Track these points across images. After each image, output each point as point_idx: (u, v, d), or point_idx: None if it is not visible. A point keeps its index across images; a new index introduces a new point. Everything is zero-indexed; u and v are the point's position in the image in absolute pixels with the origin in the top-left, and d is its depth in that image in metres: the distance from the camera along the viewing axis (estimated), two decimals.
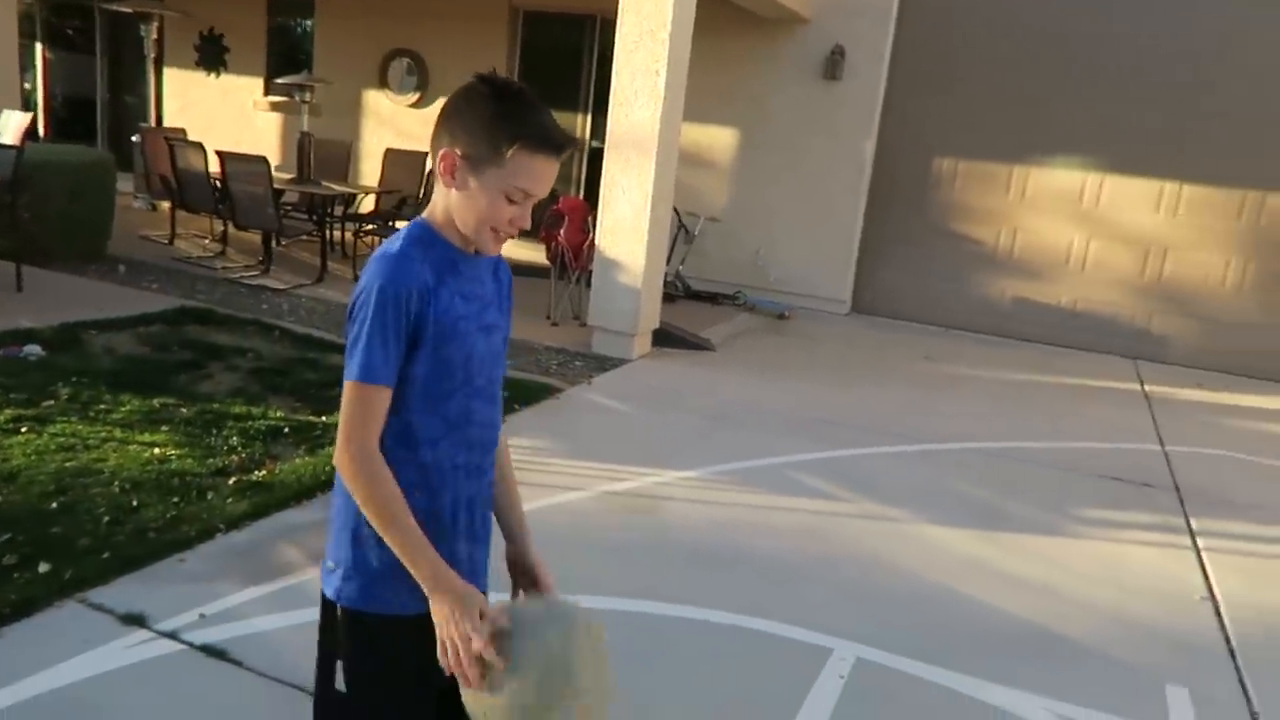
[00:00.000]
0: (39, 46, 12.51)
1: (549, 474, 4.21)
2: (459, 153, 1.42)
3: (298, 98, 8.57)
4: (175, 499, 3.45)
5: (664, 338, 6.68)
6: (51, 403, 4.28)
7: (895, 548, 3.80)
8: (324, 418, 4.42)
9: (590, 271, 6.49)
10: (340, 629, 1.50)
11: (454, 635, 1.38)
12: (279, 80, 9.35)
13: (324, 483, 3.66)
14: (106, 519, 3.23)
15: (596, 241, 6.28)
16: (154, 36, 10.58)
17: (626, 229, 6.08)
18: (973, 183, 8.31)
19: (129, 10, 10.28)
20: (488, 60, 9.56)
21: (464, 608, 1.38)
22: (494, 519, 1.65)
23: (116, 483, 3.52)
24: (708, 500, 4.11)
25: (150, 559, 3.02)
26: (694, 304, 8.19)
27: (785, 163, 8.57)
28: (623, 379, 5.87)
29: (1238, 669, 3.10)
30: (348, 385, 1.41)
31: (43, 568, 2.87)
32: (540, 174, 1.43)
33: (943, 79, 8.23)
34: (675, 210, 7.99)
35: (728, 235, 8.70)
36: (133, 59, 11.74)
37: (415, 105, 10.08)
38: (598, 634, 1.49)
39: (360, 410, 1.40)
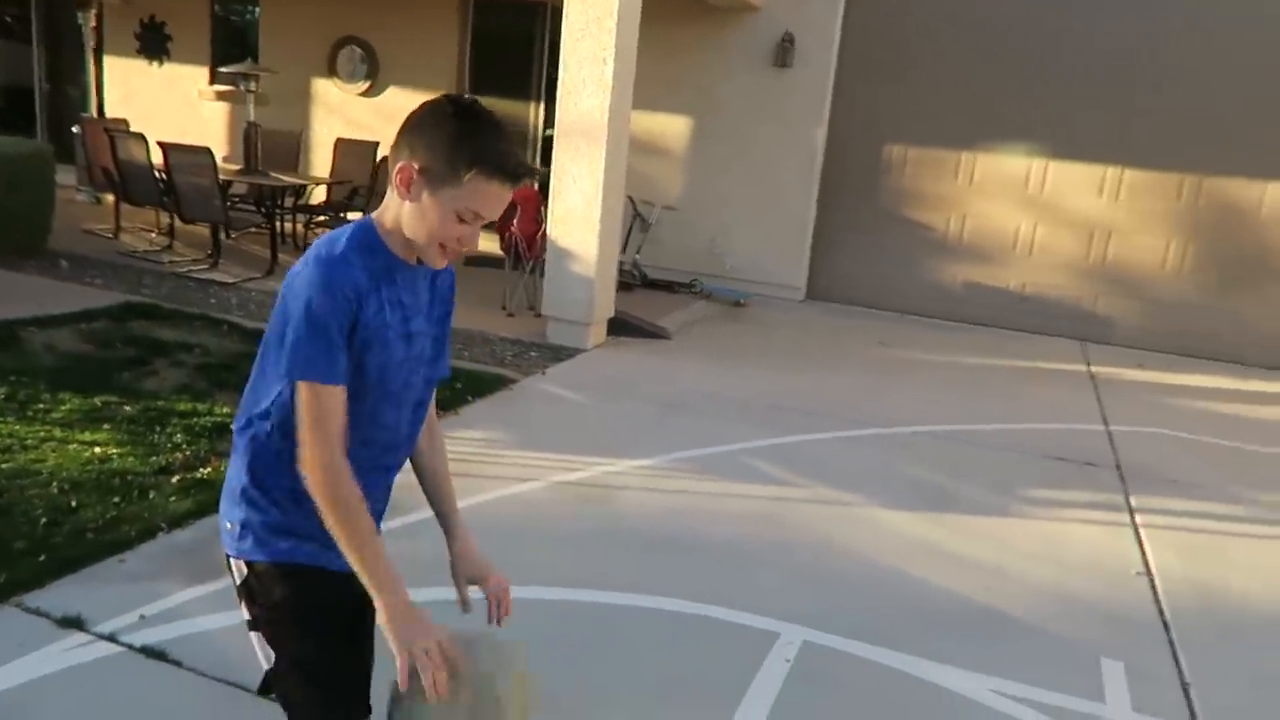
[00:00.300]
0: None
1: (501, 465, 4.20)
2: (416, 167, 1.44)
3: (243, 87, 8.41)
4: (116, 498, 3.39)
5: (620, 326, 6.68)
6: None
7: (847, 531, 3.84)
8: None
9: (544, 262, 6.47)
10: (245, 586, 1.56)
11: (422, 646, 1.41)
12: (223, 69, 9.19)
13: None
14: (44, 520, 3.16)
15: (549, 231, 6.25)
16: (92, 24, 10.35)
17: (578, 218, 6.07)
18: (923, 169, 8.40)
19: None
20: (439, 48, 9.48)
21: (426, 628, 1.43)
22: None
23: (55, 483, 3.45)
24: (661, 488, 4.13)
25: (89, 560, 2.97)
26: (651, 292, 8.19)
27: (737, 151, 8.60)
28: (577, 369, 5.86)
29: (1171, 642, 3.19)
30: (302, 387, 1.42)
31: None
32: (494, 199, 1.45)
33: (893, 66, 8.29)
34: (630, 199, 7.99)
35: (683, 223, 8.71)
36: (72, 47, 11.45)
37: (365, 94, 9.94)
38: (525, 676, 1.59)
39: (323, 414, 1.42)
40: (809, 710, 2.62)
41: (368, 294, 1.45)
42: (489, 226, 6.64)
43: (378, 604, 1.44)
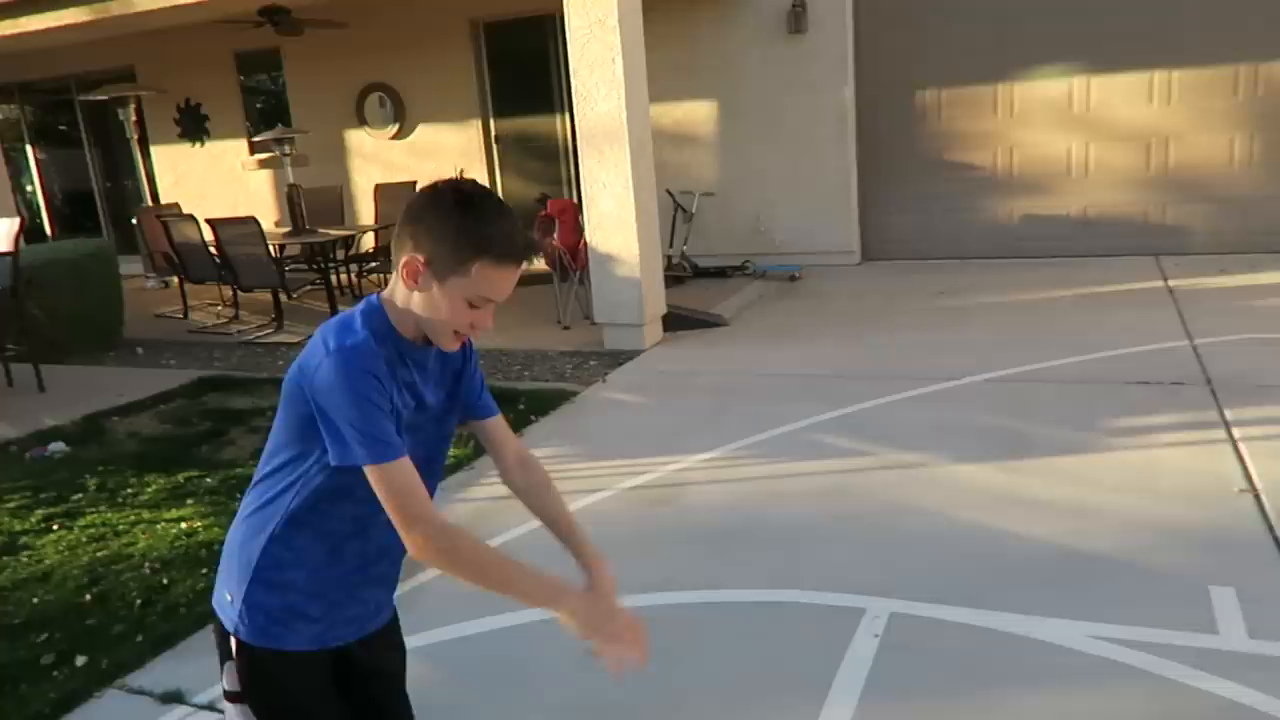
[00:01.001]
0: (29, 148, 12.77)
1: (570, 480, 4.21)
2: (422, 259, 1.43)
3: (279, 151, 8.66)
4: (203, 570, 3.50)
5: (675, 321, 6.66)
6: (80, 495, 4.38)
7: (919, 493, 3.75)
8: None
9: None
10: (241, 664, 1.56)
11: (605, 629, 1.49)
12: (258, 139, 9.47)
13: None
14: (139, 601, 3.30)
15: (588, 239, 6.27)
16: (133, 118, 10.77)
17: (613, 222, 6.06)
18: (959, 109, 8.15)
19: (105, 98, 10.46)
20: (458, 78, 9.59)
21: (611, 611, 1.52)
22: None
23: (146, 564, 3.59)
24: (728, 479, 4.10)
25: (182, 635, 3.07)
26: (703, 281, 8.14)
27: (766, 124, 8.48)
28: (637, 370, 5.86)
29: None
30: (373, 473, 1.41)
31: (79, 661, 2.94)
32: (503, 283, 1.45)
33: (911, 10, 8.07)
34: (669, 192, 7.97)
35: (725, 207, 8.63)
36: (119, 143, 11.94)
37: (396, 137, 10.12)
38: None
39: (406, 489, 1.42)
40: (906, 681, 2.56)
41: (383, 376, 1.44)
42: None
43: (560, 615, 1.46)
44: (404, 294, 1.47)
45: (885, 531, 3.47)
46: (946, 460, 4.04)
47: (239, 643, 1.55)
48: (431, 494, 1.56)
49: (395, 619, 1.78)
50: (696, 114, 8.73)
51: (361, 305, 1.52)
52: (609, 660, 1.45)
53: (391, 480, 1.41)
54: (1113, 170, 7.81)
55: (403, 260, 1.45)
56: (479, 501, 4.02)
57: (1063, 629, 2.73)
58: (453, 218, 1.42)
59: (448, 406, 1.63)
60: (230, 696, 1.59)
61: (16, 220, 6.53)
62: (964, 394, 4.89)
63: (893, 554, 3.29)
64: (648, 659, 1.46)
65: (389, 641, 1.75)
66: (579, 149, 6.07)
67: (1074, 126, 7.83)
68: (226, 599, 1.57)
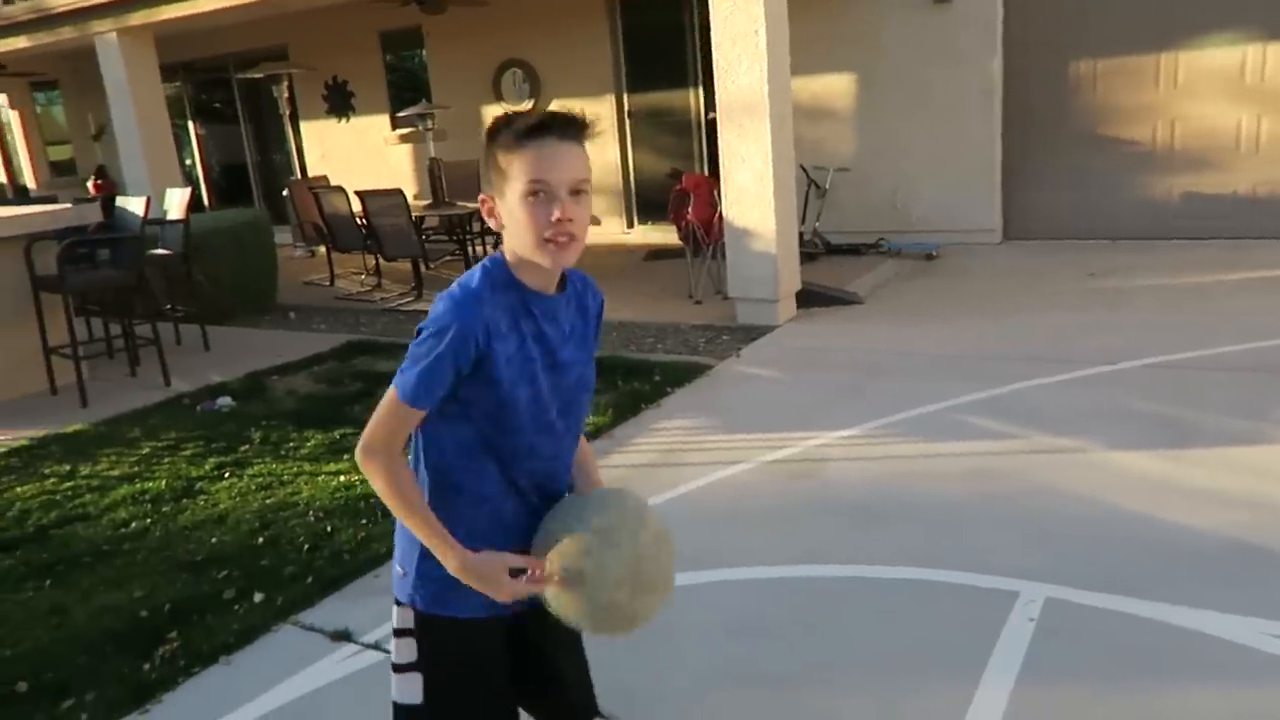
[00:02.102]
0: (191, 124, 13.58)
1: (708, 451, 4.25)
2: (489, 193, 1.48)
3: (421, 126, 8.94)
4: (364, 520, 3.69)
5: (809, 298, 6.58)
6: (247, 447, 4.67)
7: (1075, 479, 3.61)
8: None
9: (724, 244, 6.47)
10: (419, 633, 1.60)
11: (500, 592, 1.50)
12: (401, 114, 9.80)
13: None
14: (306, 546, 3.50)
15: (725, 213, 6.25)
16: (286, 95, 11.30)
17: (751, 196, 6.03)
18: (1117, 81, 7.73)
19: (260, 75, 11.01)
20: (594, 54, 9.68)
21: (485, 572, 1.50)
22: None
23: (311, 512, 3.81)
24: (871, 456, 4.04)
25: (348, 579, 3.25)
26: (836, 259, 8.02)
27: (908, 98, 8.25)
28: (771, 346, 5.83)
29: None
30: (391, 394, 1.47)
31: (258, 597, 3.15)
32: (541, 160, 1.40)
33: None
34: (802, 167, 7.85)
35: (860, 183, 8.46)
36: (271, 119, 12.57)
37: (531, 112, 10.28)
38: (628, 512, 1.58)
39: (394, 424, 1.48)
40: (1064, 668, 2.49)
41: (505, 331, 1.45)
42: (663, 217, 6.74)
43: (453, 563, 1.50)
44: (506, 241, 1.49)
45: (1038, 515, 3.36)
46: (1103, 446, 3.87)
47: (415, 613, 1.59)
48: (573, 436, 1.63)
49: None
50: (834, 87, 8.56)
51: (485, 261, 1.52)
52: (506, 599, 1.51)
53: (391, 412, 1.47)
54: None
55: (481, 204, 1.50)
56: (619, 469, 4.09)
57: (1235, 624, 2.60)
58: (488, 142, 1.46)
59: (584, 358, 1.61)
60: (398, 668, 1.63)
61: (188, 190, 6.96)
62: (1121, 379, 4.67)
63: (1046, 538, 3.18)
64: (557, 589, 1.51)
65: (558, 624, 1.67)
66: (718, 122, 6.05)
67: (1246, 98, 7.32)
68: (399, 573, 1.62)
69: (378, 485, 1.51)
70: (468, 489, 1.54)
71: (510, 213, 1.44)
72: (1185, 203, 7.69)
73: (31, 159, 15.17)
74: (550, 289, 1.52)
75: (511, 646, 1.67)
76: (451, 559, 1.49)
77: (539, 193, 1.40)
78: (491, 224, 1.48)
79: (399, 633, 1.63)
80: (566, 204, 1.40)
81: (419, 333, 1.46)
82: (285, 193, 10.36)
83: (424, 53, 11.02)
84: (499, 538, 1.55)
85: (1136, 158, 7.79)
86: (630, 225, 10.15)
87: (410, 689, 1.62)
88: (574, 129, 1.43)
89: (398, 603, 1.62)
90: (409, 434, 1.51)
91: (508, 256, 1.49)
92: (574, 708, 1.80)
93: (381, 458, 1.48)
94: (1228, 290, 6.17)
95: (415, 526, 1.51)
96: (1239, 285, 6.25)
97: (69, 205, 6.74)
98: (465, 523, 1.54)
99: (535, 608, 1.61)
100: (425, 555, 1.55)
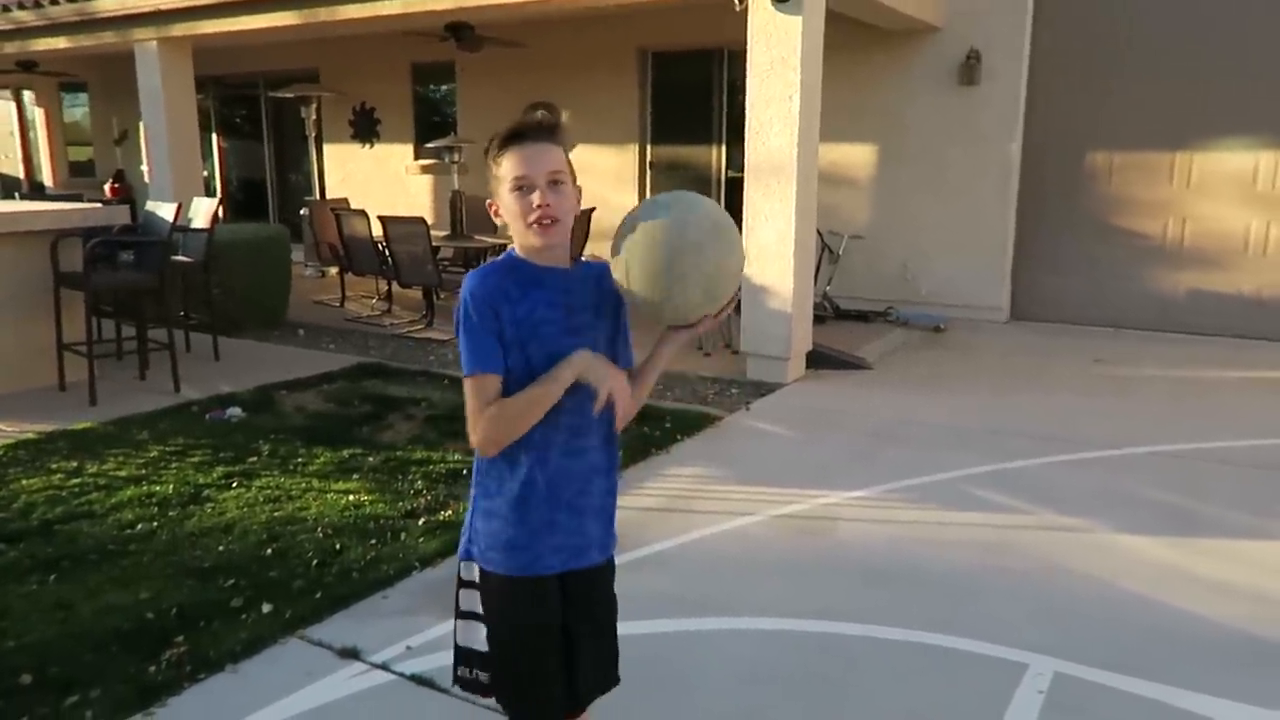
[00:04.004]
0: (214, 136, 13.71)
1: (717, 500, 4.27)
2: (493, 199, 1.75)
3: (447, 159, 9.07)
4: (373, 540, 3.69)
5: (818, 359, 6.65)
6: (255, 459, 4.67)
7: (1082, 558, 3.64)
8: None
9: (738, 300, 6.53)
10: (479, 586, 1.81)
11: (602, 372, 1.70)
12: (429, 145, 9.93)
13: None
14: (315, 561, 3.49)
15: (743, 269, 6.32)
16: (313, 117, 11.44)
17: (771, 254, 6.12)
18: (1132, 175, 7.92)
19: (290, 95, 11.16)
20: (621, 102, 9.86)
21: (591, 364, 1.69)
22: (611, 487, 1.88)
23: (320, 528, 3.81)
24: (879, 519, 4.07)
25: (357, 597, 3.25)
26: (845, 324, 8.10)
27: (927, 173, 8.42)
28: (780, 403, 5.87)
29: None
30: (466, 384, 1.70)
31: (265, 608, 3.14)
32: (521, 161, 1.68)
33: (1090, 69, 7.91)
34: (818, 231, 7.96)
35: (873, 252, 8.59)
36: (294, 139, 12.70)
37: None
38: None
39: (476, 401, 1.69)
40: None
41: (515, 297, 1.69)
42: None
43: (568, 375, 1.68)
44: (512, 234, 1.74)
45: (1048, 591, 3.38)
46: (1111, 529, 3.91)
47: (478, 568, 1.80)
48: (606, 420, 1.78)
49: (608, 570, 1.91)
50: (854, 156, 8.73)
51: None
52: (601, 397, 1.67)
53: (478, 389, 1.69)
54: None
55: (491, 210, 1.77)
56: (629, 510, 4.10)
57: (1240, 713, 2.62)
58: (486, 157, 1.75)
59: (609, 349, 1.81)
60: (461, 614, 1.85)
61: (214, 201, 7.03)
62: (1128, 464, 4.72)
63: (1057, 614, 3.20)
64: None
65: (592, 590, 1.87)
66: (746, 179, 6.16)
67: (1256, 203, 7.50)
68: (465, 535, 1.84)
69: (497, 439, 1.70)
70: (504, 453, 1.73)
71: (506, 207, 1.72)
72: (1191, 299, 7.83)
73: (52, 157, 15.27)
74: (561, 264, 1.76)
75: (558, 616, 1.82)
76: (566, 372, 1.68)
77: (522, 186, 1.68)
78: (498, 222, 1.76)
79: (463, 584, 1.84)
80: (544, 192, 1.68)
81: (456, 327, 1.73)
82: (304, 211, 10.44)
83: (454, 87, 11.19)
84: (528, 494, 1.74)
85: (1146, 250, 7.94)
86: None
87: (471, 634, 1.83)
88: (545, 132, 1.71)
89: (462, 558, 1.84)
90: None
91: (516, 248, 1.77)
92: (579, 691, 1.88)
93: (480, 425, 1.69)
94: (1231, 387, 6.26)
95: (535, 404, 1.68)
96: (1242, 383, 6.34)
97: (99, 205, 6.79)
98: (501, 484, 1.75)
99: (574, 577, 1.81)
100: (476, 512, 1.79)
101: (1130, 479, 4.51)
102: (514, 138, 1.69)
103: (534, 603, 1.78)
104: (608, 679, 1.94)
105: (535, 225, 1.68)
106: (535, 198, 1.67)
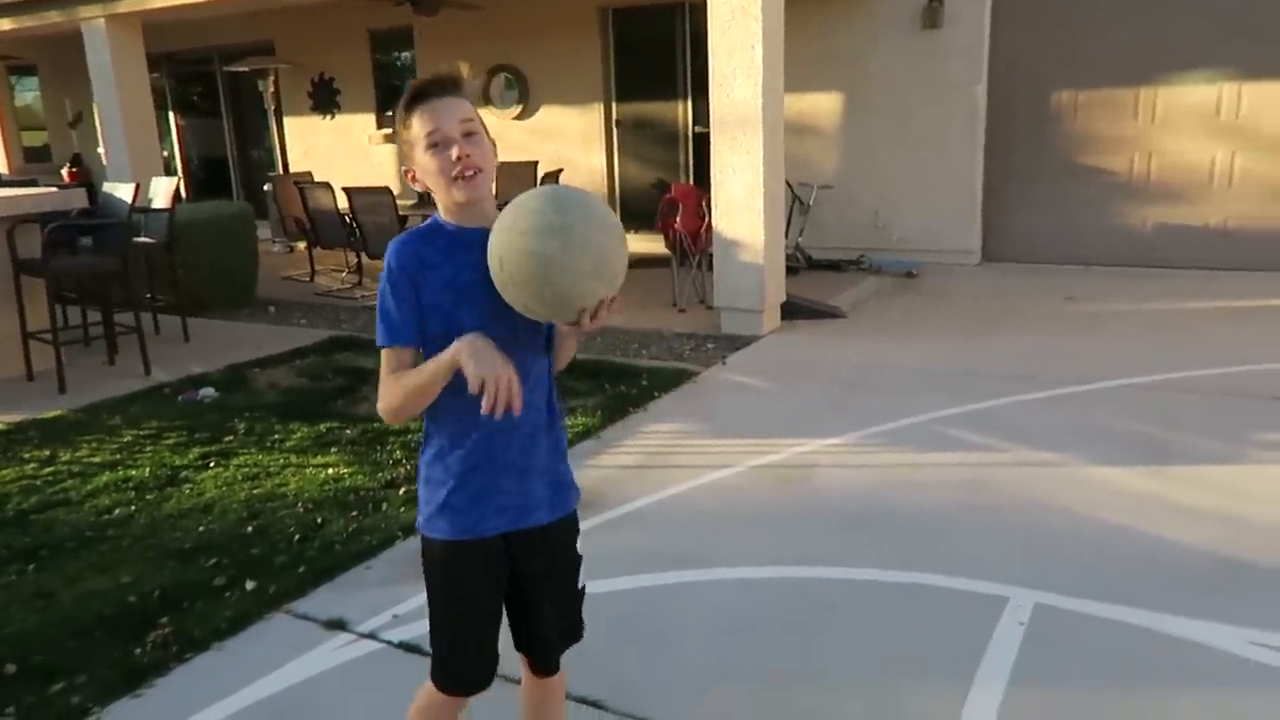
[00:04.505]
0: (171, 115, 13.43)
1: (696, 454, 4.28)
2: (408, 166, 1.71)
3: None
4: (354, 512, 3.69)
5: (792, 310, 6.66)
6: (231, 438, 4.63)
7: (1058, 492, 3.69)
8: None
9: (710, 255, 6.53)
10: (422, 552, 1.82)
11: (487, 374, 1.53)
12: (390, 113, 9.78)
13: None
14: (296, 536, 3.49)
15: (714, 223, 6.31)
16: (271, 90, 11.23)
17: (741, 207, 6.09)
18: (1097, 112, 7.92)
19: (246, 69, 10.94)
20: (583, 63, 9.73)
21: (474, 348, 1.56)
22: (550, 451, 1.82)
23: (300, 503, 3.79)
24: (856, 464, 4.10)
25: (340, 569, 3.24)
26: (818, 274, 8.12)
27: (893, 119, 8.39)
28: (756, 355, 5.89)
29: None
30: (383, 354, 1.69)
31: (249, 585, 3.13)
32: (430, 118, 1.64)
33: (1053, 8, 7.88)
34: (787, 182, 7.93)
35: (843, 201, 8.58)
36: (253, 114, 12.48)
37: (519, 118, 10.33)
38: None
39: (387, 367, 1.68)
40: (1054, 672, 2.54)
41: (437, 262, 1.66)
42: (647, 226, 6.87)
43: (449, 360, 1.58)
44: (434, 197, 1.70)
45: (1024, 525, 3.43)
46: (1085, 462, 3.96)
47: (420, 534, 1.80)
48: (534, 351, 1.74)
49: (564, 528, 1.86)
50: (820, 106, 8.68)
51: None
52: (485, 399, 1.52)
53: (384, 363, 1.68)
54: (1261, 182, 7.50)
55: (409, 178, 1.73)
56: (608, 469, 4.12)
57: (1220, 633, 2.67)
58: (395, 129, 1.73)
59: None
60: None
61: (174, 180, 6.90)
62: (1099, 399, 4.78)
63: (1034, 547, 3.25)
64: (516, 405, 1.55)
65: (547, 549, 1.84)
66: (712, 133, 6.11)
67: (1220, 134, 7.54)
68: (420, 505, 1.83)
69: (396, 411, 1.68)
70: (439, 421, 1.73)
71: (424, 168, 1.67)
72: (1159, 233, 7.88)
73: (5, 144, 14.92)
74: (488, 224, 1.65)
75: (503, 578, 1.82)
76: (449, 355, 1.59)
77: (437, 143, 1.63)
78: (416, 188, 1.72)
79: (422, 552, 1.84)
80: (461, 144, 1.63)
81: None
82: (267, 187, 10.28)
83: (413, 54, 11.00)
84: (465, 459, 1.72)
85: (1113, 187, 7.98)
86: None
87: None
88: (448, 85, 1.67)
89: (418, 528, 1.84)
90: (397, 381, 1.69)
91: (440, 211, 1.73)
92: (545, 641, 1.91)
93: (383, 396, 1.68)
94: (1200, 318, 6.33)
95: (426, 384, 1.63)
96: (1210, 314, 6.41)
97: (54, 189, 6.65)
98: (440, 451, 1.74)
99: (521, 536, 1.79)
100: (421, 481, 1.79)
101: (1102, 413, 4.57)
102: (419, 96, 1.66)
103: (473, 566, 1.77)
104: (572, 633, 1.95)
105: (459, 179, 1.63)
106: (454, 151, 1.62)
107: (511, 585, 1.83)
